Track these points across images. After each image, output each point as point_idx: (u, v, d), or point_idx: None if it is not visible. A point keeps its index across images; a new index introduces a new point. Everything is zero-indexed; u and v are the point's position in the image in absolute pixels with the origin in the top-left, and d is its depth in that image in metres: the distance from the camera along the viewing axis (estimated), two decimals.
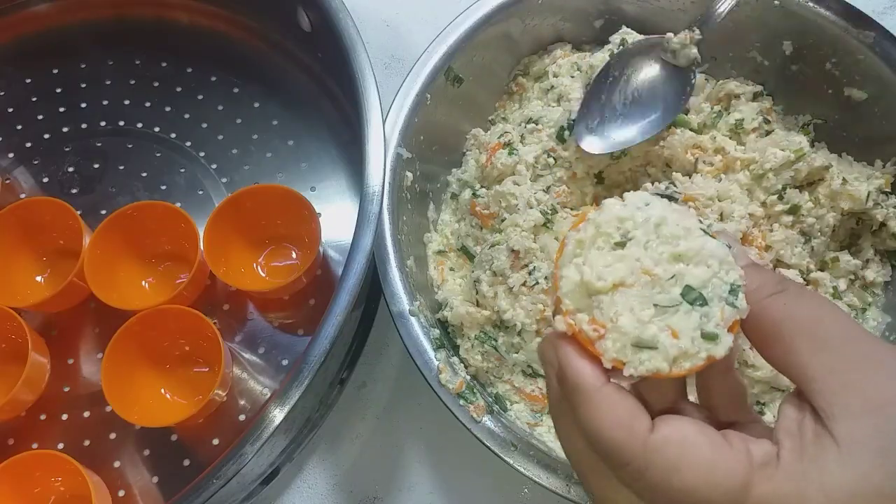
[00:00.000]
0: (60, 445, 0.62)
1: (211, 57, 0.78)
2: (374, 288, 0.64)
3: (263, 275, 0.66)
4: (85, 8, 0.81)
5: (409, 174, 0.62)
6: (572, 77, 0.66)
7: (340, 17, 0.64)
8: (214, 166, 0.72)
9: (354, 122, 0.61)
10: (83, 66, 0.78)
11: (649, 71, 0.62)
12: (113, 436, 0.62)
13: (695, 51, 0.60)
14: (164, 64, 0.77)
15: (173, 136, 0.74)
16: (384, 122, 0.59)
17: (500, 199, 0.61)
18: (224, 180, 0.72)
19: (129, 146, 0.74)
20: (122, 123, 0.75)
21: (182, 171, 0.72)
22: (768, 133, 0.65)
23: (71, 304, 0.65)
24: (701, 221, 0.36)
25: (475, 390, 0.55)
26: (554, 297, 0.37)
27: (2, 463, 0.55)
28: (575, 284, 0.35)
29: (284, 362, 0.64)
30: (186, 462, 0.61)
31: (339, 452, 0.62)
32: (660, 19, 0.67)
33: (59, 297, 0.62)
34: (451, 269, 0.64)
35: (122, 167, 0.73)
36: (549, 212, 0.60)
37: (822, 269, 0.61)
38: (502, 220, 0.61)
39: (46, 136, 0.74)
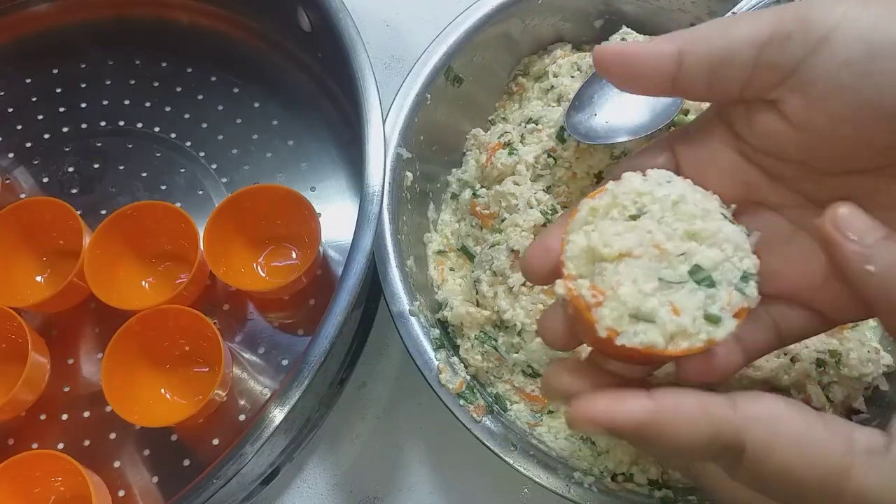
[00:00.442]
0: (60, 445, 0.62)
1: (211, 57, 0.78)
2: (374, 288, 0.64)
3: (263, 275, 0.66)
4: (85, 8, 0.80)
5: (409, 174, 0.62)
6: (572, 77, 0.66)
7: (340, 17, 0.64)
8: (214, 166, 0.72)
9: (354, 122, 0.61)
10: (83, 66, 0.78)
11: None
12: (113, 436, 0.62)
13: None
14: (164, 64, 0.77)
15: (173, 136, 0.74)
16: (384, 122, 0.59)
17: (500, 199, 0.61)
18: (224, 180, 0.72)
19: (129, 146, 0.74)
20: (122, 123, 0.75)
21: (182, 171, 0.72)
22: None
23: (71, 304, 0.65)
24: (723, 206, 0.36)
25: (475, 390, 0.55)
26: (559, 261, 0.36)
27: (2, 463, 0.55)
28: (581, 250, 0.34)
29: (284, 362, 0.64)
30: (186, 462, 0.61)
31: (339, 452, 0.62)
32: (660, 19, 0.67)
33: (59, 297, 0.62)
34: (451, 269, 0.64)
35: (122, 167, 0.73)
36: (549, 212, 0.60)
37: None
38: (502, 220, 0.61)
39: (46, 136, 0.74)
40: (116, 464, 0.61)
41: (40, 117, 0.75)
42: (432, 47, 0.64)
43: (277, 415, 0.50)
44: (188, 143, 0.73)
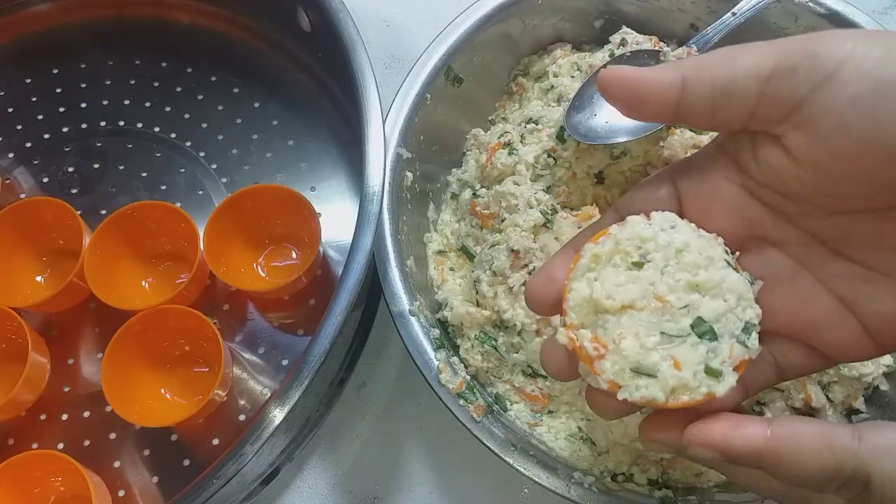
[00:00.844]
0: (60, 445, 0.62)
1: (211, 57, 0.78)
2: (374, 288, 0.64)
3: (263, 275, 0.66)
4: (85, 8, 0.80)
5: (409, 174, 0.62)
6: (572, 77, 0.66)
7: (340, 17, 0.64)
8: (214, 166, 0.72)
9: (354, 122, 0.61)
10: (83, 66, 0.78)
11: None
12: (113, 436, 0.62)
13: None
14: (164, 64, 0.77)
15: (173, 136, 0.74)
16: (384, 122, 0.59)
17: (500, 199, 0.61)
18: (224, 180, 0.72)
19: (129, 146, 0.74)
20: (122, 123, 0.75)
21: (182, 171, 0.72)
22: None
23: (71, 304, 0.65)
24: (727, 252, 0.35)
25: (475, 390, 0.55)
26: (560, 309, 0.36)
27: (2, 463, 0.55)
28: (583, 299, 0.34)
29: (284, 362, 0.64)
30: (186, 462, 0.61)
31: (339, 452, 0.62)
32: (660, 19, 0.67)
33: (59, 297, 0.62)
34: (451, 269, 0.64)
35: (122, 167, 0.73)
36: (549, 212, 0.60)
37: None
38: (502, 220, 0.61)
39: (46, 136, 0.74)
40: (116, 464, 0.61)
41: (40, 117, 0.75)
42: (432, 47, 0.64)
43: (277, 415, 0.50)
44: (188, 143, 0.73)
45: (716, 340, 0.33)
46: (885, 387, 0.56)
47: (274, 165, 0.72)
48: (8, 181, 0.72)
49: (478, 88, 0.67)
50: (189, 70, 0.77)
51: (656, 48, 0.64)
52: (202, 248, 0.62)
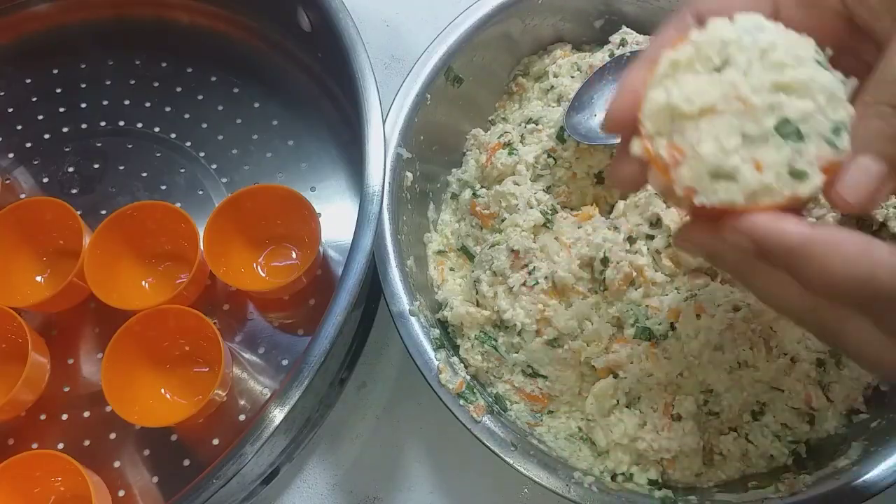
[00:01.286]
0: (60, 445, 0.62)
1: (211, 57, 0.78)
2: (374, 288, 0.64)
3: (263, 275, 0.66)
4: (85, 8, 0.80)
5: (409, 174, 0.62)
6: (572, 77, 0.66)
7: (340, 17, 0.64)
8: (214, 166, 0.72)
9: (354, 122, 0.61)
10: (83, 66, 0.78)
11: None
12: (113, 436, 0.62)
13: None
14: (164, 64, 0.77)
15: (173, 136, 0.74)
16: (384, 122, 0.59)
17: (500, 199, 0.61)
18: (224, 180, 0.72)
19: (129, 146, 0.74)
20: (122, 123, 0.75)
21: (182, 171, 0.72)
22: None
23: (71, 304, 0.65)
24: (818, 52, 0.33)
25: (475, 390, 0.55)
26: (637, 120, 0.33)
27: (2, 463, 0.55)
28: (659, 106, 0.32)
29: (284, 362, 0.64)
30: (186, 462, 0.61)
31: (339, 452, 0.62)
32: (660, 19, 0.66)
33: (59, 297, 0.62)
34: (451, 269, 0.64)
35: (122, 167, 0.73)
36: (549, 212, 0.60)
37: None
38: (502, 220, 0.61)
39: (46, 136, 0.74)
40: (116, 464, 0.61)
41: (40, 117, 0.75)
42: (432, 47, 0.64)
43: (277, 415, 0.50)
44: (188, 143, 0.73)
45: (802, 141, 0.31)
46: (885, 387, 0.56)
47: (274, 165, 0.72)
48: (8, 181, 0.72)
49: (478, 88, 0.67)
50: (189, 70, 0.77)
51: None
52: (202, 248, 0.62)
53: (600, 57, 0.65)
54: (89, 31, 0.80)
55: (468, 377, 0.55)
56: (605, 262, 0.56)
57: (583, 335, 0.56)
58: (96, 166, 0.73)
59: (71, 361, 0.65)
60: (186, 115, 0.75)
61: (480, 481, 0.60)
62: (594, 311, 0.57)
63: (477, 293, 0.59)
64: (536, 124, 0.65)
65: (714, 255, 0.36)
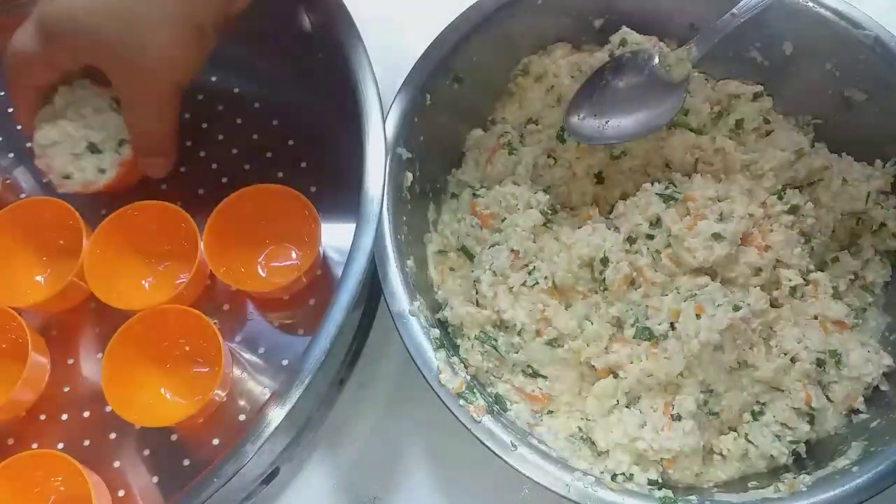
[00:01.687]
0: (60, 445, 0.62)
1: (211, 57, 0.77)
2: (374, 288, 0.64)
3: (263, 275, 0.66)
4: None
5: (409, 174, 0.62)
6: (572, 77, 0.66)
7: (340, 17, 0.64)
8: (214, 166, 0.72)
9: (354, 123, 0.61)
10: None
11: (640, 83, 0.62)
12: (113, 436, 0.62)
13: (689, 67, 0.60)
14: None
15: None
16: (384, 122, 0.59)
17: (500, 199, 0.61)
18: (224, 180, 0.72)
19: None
20: None
21: (182, 170, 0.72)
22: (768, 133, 0.65)
23: (71, 304, 0.65)
24: None
25: (475, 390, 0.55)
26: None
27: (2, 463, 0.55)
28: None
29: (284, 362, 0.64)
30: (186, 462, 0.61)
31: (339, 452, 0.62)
32: (660, 19, 0.67)
33: (59, 297, 0.62)
34: (451, 269, 0.64)
35: None
36: (549, 212, 0.61)
37: (821, 269, 0.61)
38: (502, 220, 0.61)
39: None
40: (116, 464, 0.61)
41: None
42: (432, 47, 0.64)
43: (277, 415, 0.50)
44: (188, 143, 0.73)
45: None
46: (884, 387, 0.56)
47: (274, 165, 0.72)
48: (8, 181, 0.72)
49: (478, 88, 0.67)
50: None
51: (656, 48, 0.64)
52: (202, 248, 0.62)
53: (600, 57, 0.65)
54: None
55: (468, 377, 0.55)
56: (605, 262, 0.57)
57: (583, 335, 0.56)
58: None
59: (71, 361, 0.65)
60: (186, 116, 0.75)
61: (480, 481, 0.60)
62: (594, 312, 0.57)
63: (477, 293, 0.59)
64: (536, 124, 0.65)
65: None
